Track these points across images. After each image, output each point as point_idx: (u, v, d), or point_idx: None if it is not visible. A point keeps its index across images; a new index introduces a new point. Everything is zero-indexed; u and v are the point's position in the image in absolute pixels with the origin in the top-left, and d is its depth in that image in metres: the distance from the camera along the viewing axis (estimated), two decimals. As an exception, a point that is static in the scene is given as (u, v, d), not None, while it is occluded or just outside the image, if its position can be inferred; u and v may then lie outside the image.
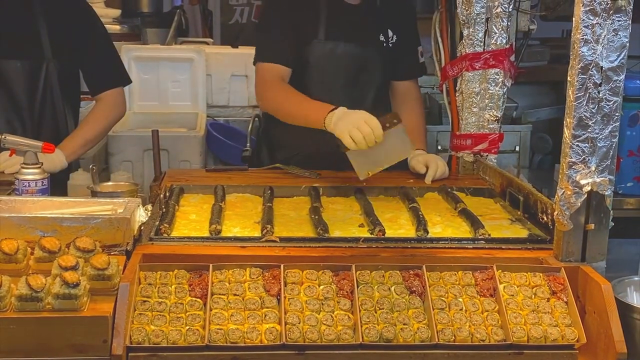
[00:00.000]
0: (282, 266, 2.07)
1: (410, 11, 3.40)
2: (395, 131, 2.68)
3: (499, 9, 2.82)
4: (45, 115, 3.22)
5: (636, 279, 2.22)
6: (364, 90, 3.24)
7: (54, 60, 3.18)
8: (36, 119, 3.20)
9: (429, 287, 2.04)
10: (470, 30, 2.85)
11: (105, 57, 3.36)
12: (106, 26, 3.56)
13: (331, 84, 3.18)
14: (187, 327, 1.92)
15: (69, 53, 3.22)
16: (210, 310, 1.95)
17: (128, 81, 3.50)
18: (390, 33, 3.26)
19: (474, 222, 2.44)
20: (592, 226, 2.13)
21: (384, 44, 3.26)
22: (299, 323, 1.94)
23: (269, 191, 2.73)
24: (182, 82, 4.72)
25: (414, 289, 2.04)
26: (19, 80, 3.15)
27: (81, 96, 3.52)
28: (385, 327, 1.94)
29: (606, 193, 2.11)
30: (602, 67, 2.05)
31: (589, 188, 2.10)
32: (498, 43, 2.85)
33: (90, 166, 2.68)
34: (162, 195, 2.63)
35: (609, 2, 2.02)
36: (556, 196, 2.14)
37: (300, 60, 3.18)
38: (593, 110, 2.07)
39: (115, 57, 3.44)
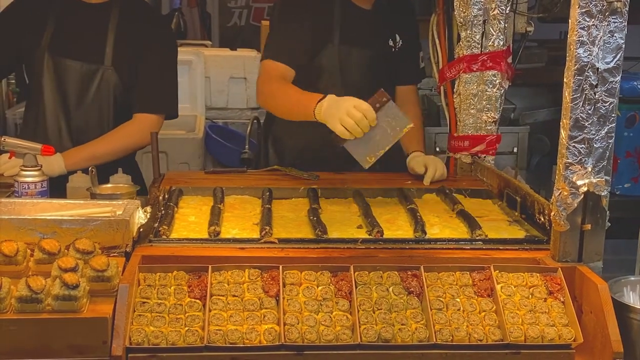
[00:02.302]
0: (280, 267, 2.07)
1: (413, 16, 3.40)
2: (387, 109, 2.57)
3: (496, 11, 2.83)
4: (91, 120, 3.16)
5: (632, 278, 2.22)
6: None
7: (112, 69, 3.11)
8: (82, 121, 3.15)
9: (427, 287, 2.05)
10: (468, 32, 2.86)
11: (152, 79, 3.18)
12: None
13: (344, 89, 3.06)
14: (187, 328, 1.93)
15: (127, 66, 3.14)
16: (209, 311, 1.96)
17: (169, 112, 3.26)
18: (397, 38, 3.27)
19: (472, 223, 2.45)
20: (588, 226, 2.14)
21: (392, 49, 3.26)
22: (298, 324, 1.94)
23: (268, 193, 2.74)
24: (180, 85, 4.66)
25: (412, 289, 2.05)
26: (72, 79, 3.11)
27: None
28: (384, 327, 1.95)
29: (602, 193, 2.12)
30: (598, 69, 2.06)
31: (585, 189, 2.11)
32: (495, 45, 2.85)
33: (90, 168, 2.68)
34: (161, 197, 2.64)
35: (605, 3, 2.03)
36: (553, 197, 2.16)
37: (314, 65, 3.15)
38: (589, 112, 2.08)
39: (166, 84, 3.25)
